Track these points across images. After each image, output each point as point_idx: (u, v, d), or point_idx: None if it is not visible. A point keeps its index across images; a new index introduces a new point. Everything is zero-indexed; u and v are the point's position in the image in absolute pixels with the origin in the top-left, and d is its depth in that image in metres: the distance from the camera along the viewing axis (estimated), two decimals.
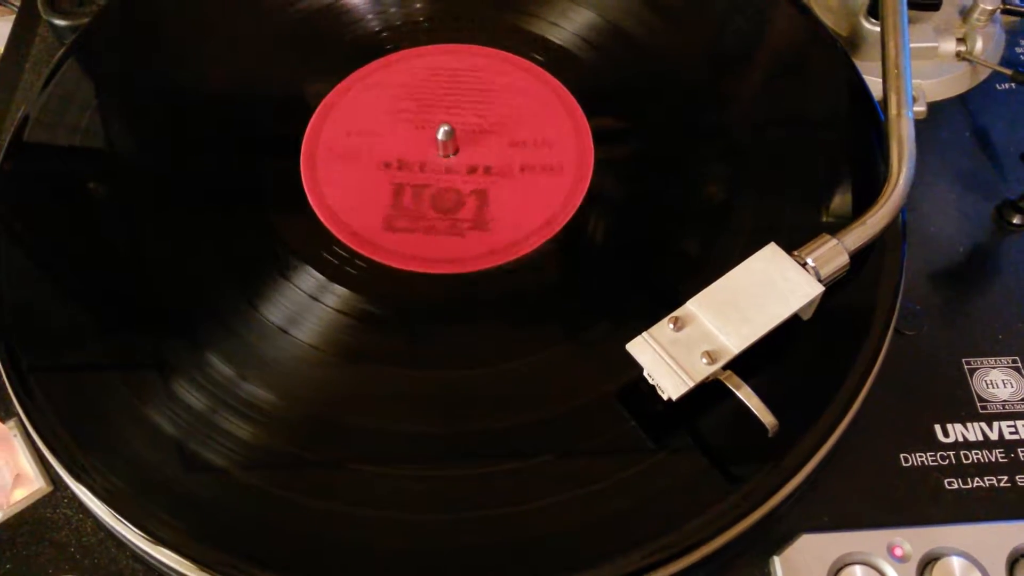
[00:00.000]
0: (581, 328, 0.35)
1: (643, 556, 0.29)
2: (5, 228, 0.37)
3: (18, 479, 0.33)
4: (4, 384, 0.34)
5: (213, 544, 0.30)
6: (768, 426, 0.29)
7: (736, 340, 0.30)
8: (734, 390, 0.30)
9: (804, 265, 0.32)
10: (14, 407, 0.34)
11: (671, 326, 0.31)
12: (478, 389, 0.33)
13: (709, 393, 0.31)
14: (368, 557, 0.30)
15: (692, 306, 0.32)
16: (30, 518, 0.33)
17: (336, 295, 0.36)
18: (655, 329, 0.31)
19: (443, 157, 0.40)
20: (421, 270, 0.36)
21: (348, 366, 0.34)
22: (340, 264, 0.36)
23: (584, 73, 0.42)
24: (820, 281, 0.32)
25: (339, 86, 0.42)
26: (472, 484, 0.31)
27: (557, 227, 0.37)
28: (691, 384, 0.30)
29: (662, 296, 0.34)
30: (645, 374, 0.31)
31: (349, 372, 0.34)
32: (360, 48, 0.44)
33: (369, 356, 0.34)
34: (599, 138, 0.40)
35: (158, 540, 0.30)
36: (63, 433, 0.32)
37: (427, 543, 0.30)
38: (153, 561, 0.31)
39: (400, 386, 0.33)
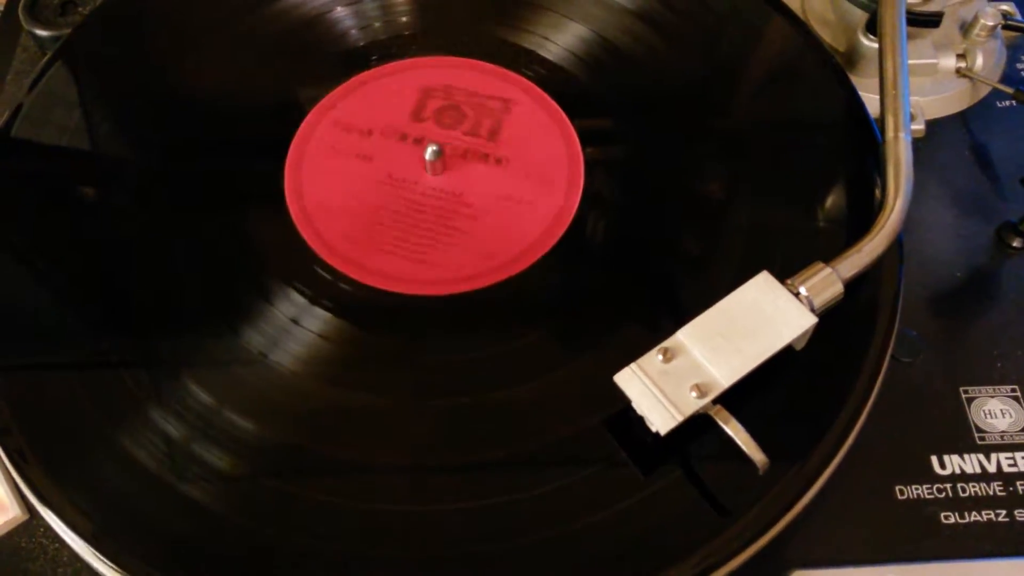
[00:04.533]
0: (570, 354, 0.34)
1: None
2: None
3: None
4: None
5: None
6: (758, 464, 0.28)
7: (727, 373, 0.30)
8: (723, 425, 0.29)
9: (797, 295, 0.31)
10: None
11: (660, 357, 0.30)
12: (464, 419, 0.32)
13: (700, 424, 0.30)
14: None
15: (682, 336, 0.31)
16: (5, 547, 0.32)
17: (319, 319, 0.35)
18: (644, 360, 0.30)
19: (431, 175, 0.39)
20: (408, 291, 0.35)
21: (332, 394, 0.33)
22: (324, 286, 0.36)
23: (575, 88, 0.41)
24: (814, 311, 0.31)
25: (325, 100, 0.41)
26: (449, 519, 0.30)
27: (547, 246, 0.37)
28: (680, 419, 0.29)
29: (653, 319, 0.33)
30: (633, 406, 0.30)
31: (333, 401, 0.33)
32: (348, 60, 0.43)
33: (351, 383, 0.33)
34: (589, 155, 0.39)
35: (133, 575, 0.29)
36: (37, 463, 0.31)
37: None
38: None
39: (385, 415, 0.33)
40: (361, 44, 0.44)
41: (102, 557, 0.29)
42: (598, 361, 0.33)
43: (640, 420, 0.30)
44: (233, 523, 0.30)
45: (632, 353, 0.31)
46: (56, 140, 0.40)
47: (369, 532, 0.30)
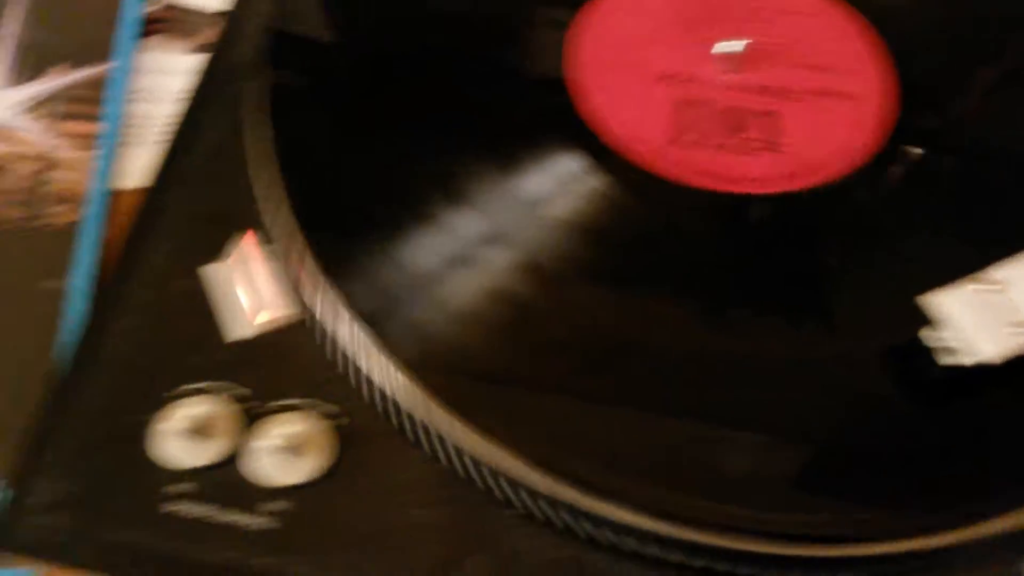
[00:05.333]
0: (877, 270, 0.33)
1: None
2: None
3: (270, 300, 0.34)
4: (275, 208, 0.34)
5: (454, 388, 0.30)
6: None
7: None
8: None
9: None
10: (279, 228, 0.34)
11: (985, 287, 0.29)
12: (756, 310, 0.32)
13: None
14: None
15: (1007, 272, 0.29)
16: (274, 340, 0.33)
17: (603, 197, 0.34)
18: (968, 284, 0.29)
19: (725, 74, 0.38)
20: (712, 187, 0.35)
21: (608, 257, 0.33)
22: (627, 179, 0.35)
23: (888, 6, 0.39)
24: None
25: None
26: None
27: (857, 161, 0.35)
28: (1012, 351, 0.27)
29: (967, 256, 0.32)
30: (937, 334, 0.29)
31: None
32: None
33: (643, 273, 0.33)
34: (904, 77, 0.37)
35: (403, 366, 0.30)
36: (325, 262, 0.32)
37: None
38: (384, 395, 0.31)
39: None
40: None
41: (382, 351, 0.30)
42: (906, 283, 0.31)
43: (926, 352, 0.29)
44: (496, 346, 0.31)
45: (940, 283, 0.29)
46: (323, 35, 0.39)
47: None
